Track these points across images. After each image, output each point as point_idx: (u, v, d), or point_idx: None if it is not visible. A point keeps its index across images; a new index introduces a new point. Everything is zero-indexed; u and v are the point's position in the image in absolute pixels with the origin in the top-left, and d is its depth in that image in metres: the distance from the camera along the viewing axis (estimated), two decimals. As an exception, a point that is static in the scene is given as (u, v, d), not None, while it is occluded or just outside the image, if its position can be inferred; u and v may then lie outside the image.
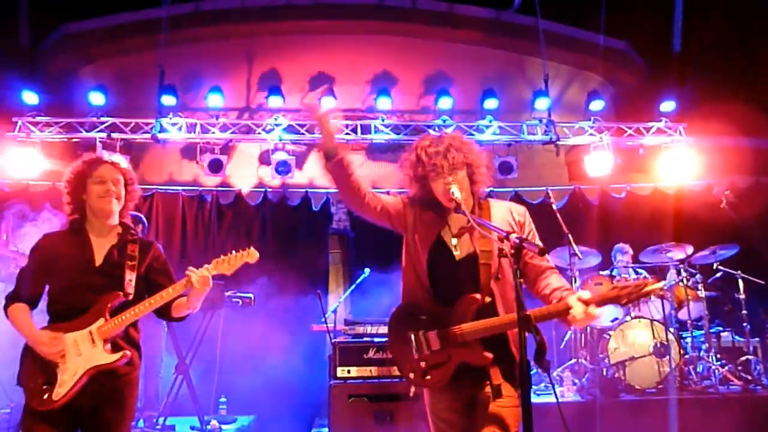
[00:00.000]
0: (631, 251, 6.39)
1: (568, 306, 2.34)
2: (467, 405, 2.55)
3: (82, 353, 2.65)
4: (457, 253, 2.59)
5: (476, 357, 2.45)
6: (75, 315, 2.72)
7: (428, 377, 2.53)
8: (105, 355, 2.67)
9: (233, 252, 2.89)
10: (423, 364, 2.53)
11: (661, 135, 7.43)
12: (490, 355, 2.44)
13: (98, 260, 2.81)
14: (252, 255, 2.90)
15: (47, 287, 2.82)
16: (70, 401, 2.61)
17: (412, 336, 2.57)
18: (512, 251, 2.23)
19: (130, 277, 2.82)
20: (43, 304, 2.88)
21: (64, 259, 2.78)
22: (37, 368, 2.67)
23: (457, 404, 2.56)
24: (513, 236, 2.25)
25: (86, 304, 2.73)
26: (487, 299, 2.49)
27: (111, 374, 2.69)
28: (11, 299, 2.82)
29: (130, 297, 2.79)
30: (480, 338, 2.45)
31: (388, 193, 5.99)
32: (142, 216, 5.51)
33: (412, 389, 2.71)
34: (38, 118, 6.92)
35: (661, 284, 2.38)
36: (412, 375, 2.56)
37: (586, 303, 2.29)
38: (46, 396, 2.61)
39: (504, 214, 2.65)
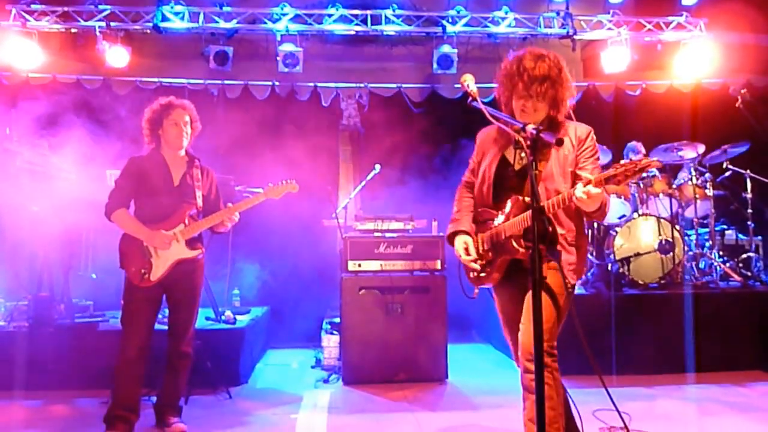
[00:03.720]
0: (643, 150, 6.37)
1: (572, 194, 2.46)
2: (523, 293, 2.71)
3: (170, 248, 3.63)
4: (516, 167, 2.77)
5: (514, 250, 2.65)
6: (161, 220, 3.65)
7: (482, 275, 2.82)
8: (186, 251, 3.69)
9: (282, 182, 3.91)
10: (479, 263, 2.81)
11: (681, 30, 7.18)
12: (524, 249, 2.62)
13: (176, 181, 3.74)
14: (294, 187, 3.94)
15: (135, 198, 3.72)
16: (160, 280, 3.62)
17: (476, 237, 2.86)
18: (528, 143, 2.30)
19: (199, 194, 3.78)
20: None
21: (151, 178, 3.68)
22: (136, 256, 3.62)
23: (516, 297, 2.77)
24: (529, 127, 2.30)
25: (168, 212, 3.67)
26: (527, 199, 2.63)
27: (189, 262, 3.71)
28: (113, 207, 3.65)
29: (200, 208, 3.80)
30: (522, 234, 2.63)
31: None
32: None
33: (476, 290, 2.95)
34: (33, 6, 6.63)
35: (654, 160, 2.40)
36: (472, 275, 2.87)
37: (585, 183, 2.39)
38: (145, 276, 3.60)
39: (567, 133, 2.74)
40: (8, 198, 5.29)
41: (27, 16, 6.60)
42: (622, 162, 2.35)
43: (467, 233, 2.88)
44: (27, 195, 5.32)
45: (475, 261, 2.82)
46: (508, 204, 2.71)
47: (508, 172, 2.78)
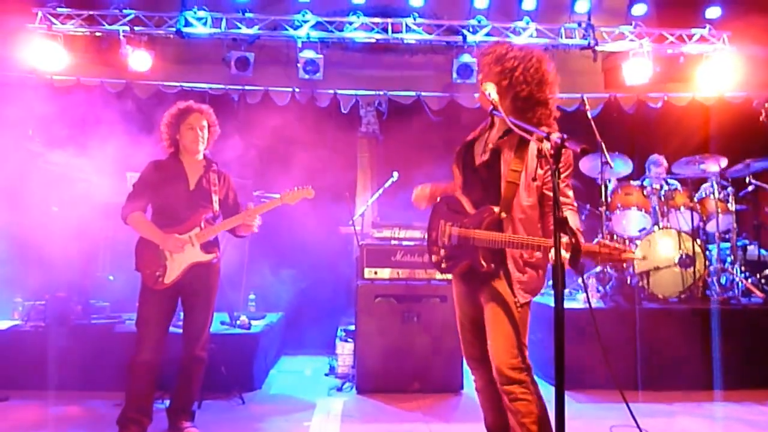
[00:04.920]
0: (665, 163, 6.28)
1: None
2: (479, 299, 2.71)
3: (185, 251, 3.65)
4: (477, 161, 2.75)
5: (478, 263, 2.60)
6: (176, 224, 3.66)
7: (443, 266, 2.81)
8: (201, 254, 3.69)
9: (297, 188, 3.87)
10: (442, 252, 2.81)
11: (704, 43, 7.11)
12: (487, 266, 2.58)
13: (192, 185, 3.76)
14: (310, 192, 3.89)
15: (152, 201, 3.75)
16: (175, 283, 3.62)
17: (442, 223, 2.82)
18: (552, 152, 2.20)
19: (215, 198, 3.79)
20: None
21: (167, 182, 3.71)
22: (151, 259, 3.62)
23: (471, 297, 2.76)
24: (554, 136, 2.20)
25: (184, 216, 3.68)
26: (503, 215, 2.57)
27: (203, 266, 3.71)
28: (129, 210, 3.68)
29: (217, 213, 3.81)
30: (487, 248, 2.58)
31: None
32: None
33: (437, 273, 2.94)
34: (59, 10, 6.73)
35: (638, 255, 2.35)
36: (434, 258, 2.88)
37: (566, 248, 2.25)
38: (159, 279, 3.60)
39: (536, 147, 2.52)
40: (29, 198, 5.35)
41: (53, 20, 6.70)
42: (608, 242, 2.30)
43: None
44: (47, 195, 5.38)
45: (438, 251, 2.81)
46: (481, 210, 2.63)
47: (469, 164, 2.79)
